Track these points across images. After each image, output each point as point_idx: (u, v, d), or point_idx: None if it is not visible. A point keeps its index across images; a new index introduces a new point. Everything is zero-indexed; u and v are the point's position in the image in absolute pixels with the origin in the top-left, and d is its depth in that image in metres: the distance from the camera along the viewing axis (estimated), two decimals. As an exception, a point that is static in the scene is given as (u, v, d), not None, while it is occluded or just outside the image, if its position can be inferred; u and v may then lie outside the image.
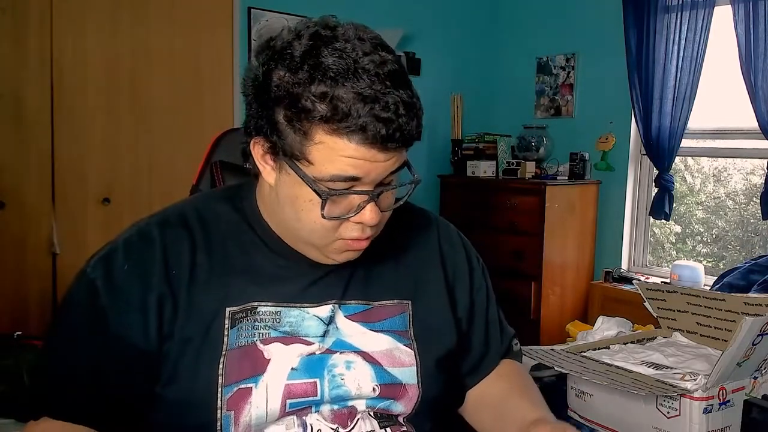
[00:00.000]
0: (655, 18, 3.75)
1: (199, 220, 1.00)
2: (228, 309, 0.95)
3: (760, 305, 1.27)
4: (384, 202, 0.93)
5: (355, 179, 0.87)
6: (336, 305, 1.00)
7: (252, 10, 3.70)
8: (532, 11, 4.61)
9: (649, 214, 3.99)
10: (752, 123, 3.39)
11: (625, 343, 1.48)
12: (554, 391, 1.40)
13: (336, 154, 0.84)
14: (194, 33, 3.55)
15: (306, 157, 0.85)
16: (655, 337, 1.53)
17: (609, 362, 1.32)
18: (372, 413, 0.99)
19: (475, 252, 1.19)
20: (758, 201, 3.48)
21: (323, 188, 0.86)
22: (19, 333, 2.57)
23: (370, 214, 0.90)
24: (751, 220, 3.89)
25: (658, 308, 1.53)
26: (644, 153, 4.00)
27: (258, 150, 0.93)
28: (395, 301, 1.05)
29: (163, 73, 3.46)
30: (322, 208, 0.87)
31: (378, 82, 0.83)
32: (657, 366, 1.30)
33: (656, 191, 3.90)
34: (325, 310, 0.99)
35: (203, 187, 1.41)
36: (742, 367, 1.14)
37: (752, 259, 3.09)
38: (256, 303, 0.96)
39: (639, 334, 1.57)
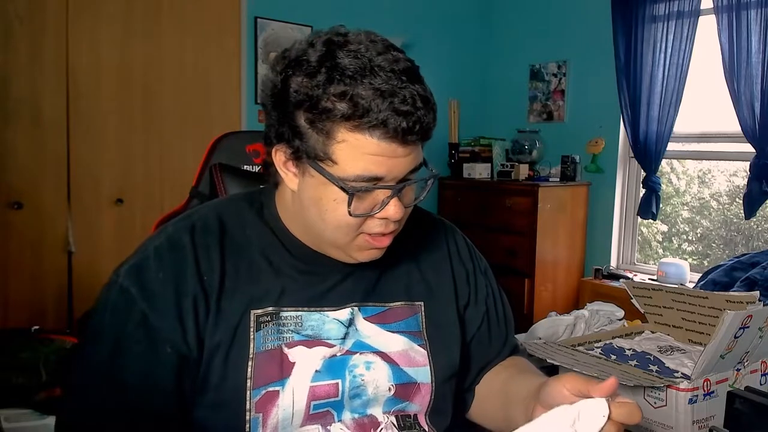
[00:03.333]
0: (642, 27, 3.78)
1: (224, 226, 0.99)
2: (253, 312, 0.94)
3: (741, 302, 1.30)
4: (406, 198, 0.93)
5: (377, 179, 0.87)
6: (356, 308, 1.01)
7: (258, 20, 3.72)
8: (525, 21, 4.63)
9: (637, 214, 4.01)
10: (735, 127, 3.40)
11: (613, 338, 1.50)
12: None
13: (359, 151, 0.84)
14: (203, 42, 3.57)
15: (330, 157, 0.85)
16: (643, 332, 1.56)
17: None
18: (393, 421, 0.99)
19: (479, 255, 1.19)
20: (741, 201, 3.49)
21: (349, 186, 0.86)
22: (37, 327, 2.60)
23: (394, 209, 0.89)
24: (734, 220, 3.90)
25: (645, 305, 1.55)
26: (632, 156, 4.00)
27: (280, 157, 0.92)
28: (409, 302, 1.06)
29: (173, 79, 3.49)
30: (349, 204, 0.87)
31: (394, 78, 0.83)
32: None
33: (644, 192, 3.92)
34: (344, 314, 1.00)
35: (203, 189, 1.40)
36: (725, 359, 1.19)
37: (735, 257, 3.07)
38: (278, 307, 0.96)
39: (627, 328, 1.60)
